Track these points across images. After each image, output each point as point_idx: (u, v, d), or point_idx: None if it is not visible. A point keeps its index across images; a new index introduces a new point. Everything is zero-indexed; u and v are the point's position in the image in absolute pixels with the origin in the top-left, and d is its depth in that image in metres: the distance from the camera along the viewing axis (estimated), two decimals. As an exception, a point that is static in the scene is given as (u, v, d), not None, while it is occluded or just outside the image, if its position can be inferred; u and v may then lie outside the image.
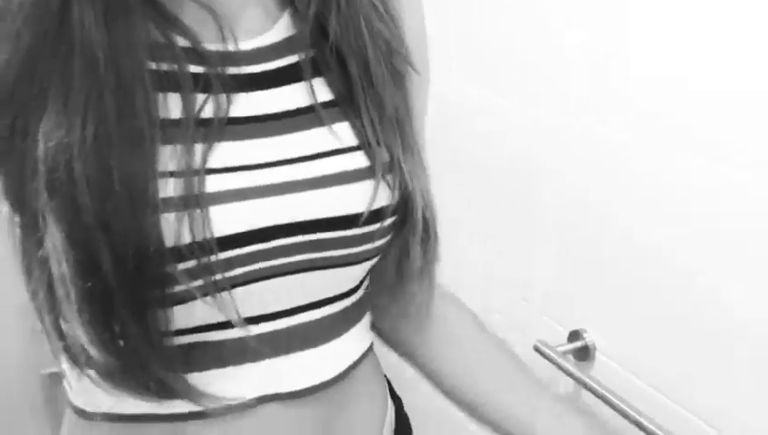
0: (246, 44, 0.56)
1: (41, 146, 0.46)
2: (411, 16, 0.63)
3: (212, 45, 0.54)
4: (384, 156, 0.57)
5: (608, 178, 0.92)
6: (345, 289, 0.60)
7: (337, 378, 0.60)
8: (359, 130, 0.57)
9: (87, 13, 0.47)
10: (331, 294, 0.59)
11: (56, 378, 1.69)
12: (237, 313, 0.52)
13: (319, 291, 0.58)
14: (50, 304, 0.49)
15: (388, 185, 0.57)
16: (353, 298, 0.62)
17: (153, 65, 0.50)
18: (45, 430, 1.69)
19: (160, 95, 0.50)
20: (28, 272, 0.49)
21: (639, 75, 0.85)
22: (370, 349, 0.67)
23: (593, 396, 0.93)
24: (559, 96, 0.98)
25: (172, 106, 0.51)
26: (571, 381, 1.00)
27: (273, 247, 0.53)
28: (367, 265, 0.59)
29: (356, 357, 0.63)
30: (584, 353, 0.98)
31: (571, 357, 0.99)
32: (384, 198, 0.56)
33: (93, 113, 0.47)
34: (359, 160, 0.56)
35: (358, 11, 0.57)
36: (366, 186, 0.55)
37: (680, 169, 0.82)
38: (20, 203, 0.48)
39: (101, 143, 0.46)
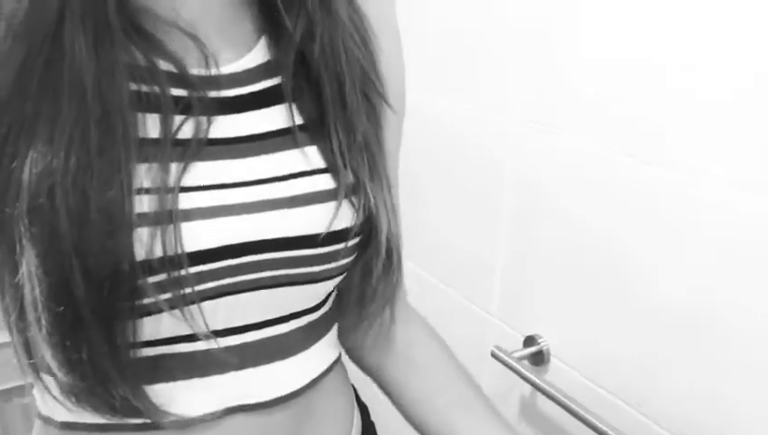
0: (225, 69, 0.58)
1: (26, 171, 0.47)
2: (389, 49, 0.65)
3: (195, 70, 0.56)
4: (349, 178, 0.59)
5: (560, 183, 0.94)
6: (311, 305, 0.62)
7: (303, 389, 0.62)
8: (327, 153, 0.59)
9: (78, 38, 0.49)
10: (297, 309, 0.60)
11: (5, 395, 1.65)
12: (206, 325, 0.53)
13: (285, 306, 0.59)
14: (20, 326, 0.50)
15: (353, 206, 0.59)
16: (320, 312, 0.63)
17: (134, 86, 0.52)
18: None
19: (140, 115, 0.52)
20: (1, 291, 0.50)
21: (590, 76, 0.88)
22: (338, 360, 0.68)
23: (549, 400, 0.95)
24: (511, 100, 1.00)
25: (150, 126, 0.52)
26: (527, 385, 1.02)
27: (242, 264, 0.54)
28: (331, 283, 0.61)
29: (322, 369, 0.64)
30: (539, 358, 1.00)
31: (526, 362, 1.01)
32: (347, 219, 0.58)
33: (78, 144, 0.48)
34: (325, 182, 0.58)
35: (338, 38, 0.59)
36: (328, 207, 0.57)
37: (633, 173, 0.84)
38: (1, 224, 0.49)
39: (82, 174, 0.48)
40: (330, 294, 0.65)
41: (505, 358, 0.99)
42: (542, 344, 1.00)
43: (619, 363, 0.90)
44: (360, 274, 0.63)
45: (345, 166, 0.59)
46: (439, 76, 1.13)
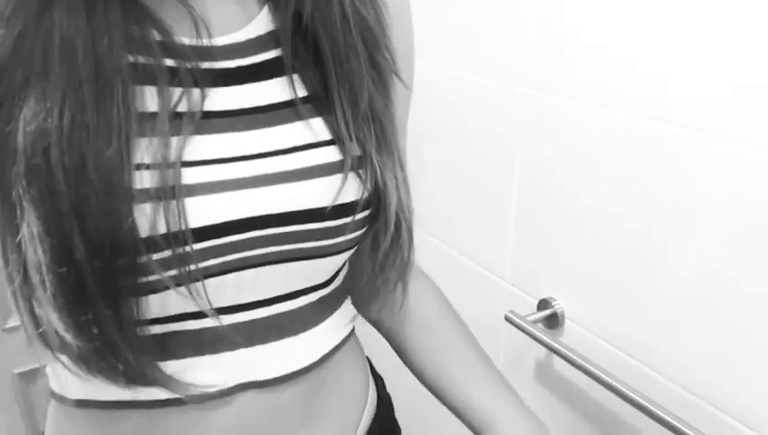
0: (222, 39, 0.56)
1: (20, 132, 0.47)
2: (398, 20, 0.64)
3: (187, 40, 0.54)
4: (355, 150, 0.58)
5: (571, 148, 0.94)
6: (321, 280, 0.61)
7: (314, 365, 0.61)
8: (332, 125, 0.58)
9: (68, 3, 0.48)
10: (307, 285, 0.60)
11: (29, 376, 1.67)
12: (209, 303, 0.53)
13: (294, 282, 0.59)
14: (25, 291, 0.49)
15: (360, 179, 0.58)
16: (330, 288, 0.63)
17: (131, 58, 0.51)
18: (19, 429, 1.68)
19: (137, 88, 0.51)
20: (5, 257, 0.50)
21: (598, 49, 0.87)
22: (351, 334, 0.68)
23: (564, 362, 0.96)
24: (523, 70, 0.99)
25: (148, 99, 0.51)
26: (542, 348, 1.02)
27: (247, 239, 0.54)
28: (340, 257, 0.60)
29: (334, 344, 0.64)
30: (554, 321, 1.01)
31: (541, 326, 1.02)
32: (354, 192, 0.57)
33: (71, 102, 0.47)
34: (331, 154, 0.57)
35: (339, 4, 0.57)
36: (336, 180, 0.56)
37: (645, 137, 0.84)
38: (1, 188, 0.48)
39: (78, 132, 0.47)
40: (340, 269, 0.64)
41: (520, 322, 1.00)
42: (555, 307, 1.01)
43: (632, 323, 0.90)
44: (369, 248, 0.62)
45: (351, 138, 0.58)
46: (447, 47, 1.13)
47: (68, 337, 0.49)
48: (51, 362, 0.56)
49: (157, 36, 0.53)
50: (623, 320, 0.92)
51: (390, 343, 0.76)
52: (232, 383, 0.57)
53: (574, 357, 0.93)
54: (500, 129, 1.05)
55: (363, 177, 0.58)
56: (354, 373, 0.68)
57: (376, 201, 0.59)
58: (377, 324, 0.76)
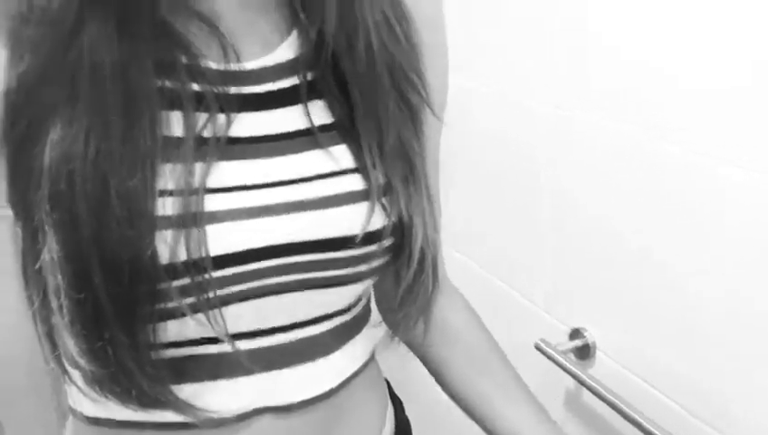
0: (251, 64, 0.56)
1: (46, 156, 0.47)
2: (432, 45, 0.62)
3: (215, 64, 0.54)
4: (380, 179, 0.57)
5: (605, 176, 0.91)
6: (341, 307, 0.60)
7: (333, 390, 0.60)
8: (357, 153, 0.57)
9: (99, 27, 0.48)
10: (327, 311, 0.59)
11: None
12: (226, 331, 0.53)
13: (314, 309, 0.58)
14: (43, 314, 0.50)
15: (384, 208, 0.57)
16: (352, 313, 0.62)
17: (158, 83, 0.51)
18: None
19: (164, 113, 0.51)
20: (25, 278, 0.51)
21: (636, 67, 0.85)
22: (371, 358, 0.67)
23: (593, 395, 0.93)
24: (556, 89, 0.97)
25: (174, 124, 0.51)
26: (571, 379, 1.00)
27: (268, 267, 0.53)
28: (361, 285, 0.59)
29: (353, 369, 0.63)
30: (585, 352, 0.98)
31: (571, 356, 0.99)
32: (378, 220, 0.56)
33: (97, 129, 0.47)
34: (354, 183, 0.56)
35: (365, 31, 0.56)
36: (360, 208, 0.55)
37: (678, 169, 0.81)
38: (23, 212, 0.49)
39: (102, 160, 0.47)
40: (362, 295, 0.63)
41: (550, 351, 0.98)
42: (587, 337, 0.98)
43: (665, 359, 0.88)
44: (392, 282, 0.61)
45: (375, 166, 0.57)
46: (477, 61, 1.11)
47: (82, 362, 0.50)
48: (66, 383, 0.56)
49: (184, 60, 0.53)
50: (656, 354, 0.89)
51: (415, 354, 0.74)
52: (248, 408, 0.57)
53: (603, 392, 0.91)
54: (531, 150, 1.03)
55: (387, 205, 0.57)
56: (372, 398, 0.67)
57: (400, 232, 0.58)
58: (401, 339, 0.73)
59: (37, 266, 0.48)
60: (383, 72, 0.57)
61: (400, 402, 0.74)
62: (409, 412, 0.75)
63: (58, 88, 0.48)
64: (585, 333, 0.98)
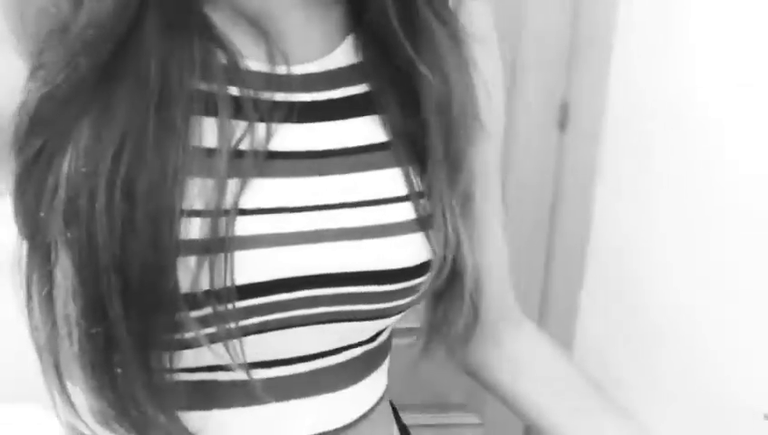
0: (299, 68, 0.51)
1: (65, 170, 0.42)
2: (487, 67, 0.57)
3: (258, 65, 0.49)
4: (435, 209, 0.52)
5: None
6: (369, 336, 0.56)
7: (353, 423, 0.56)
8: (410, 178, 0.52)
9: (149, 29, 0.44)
10: (353, 341, 0.55)
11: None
12: (244, 362, 0.48)
13: (339, 340, 0.54)
14: (51, 343, 0.45)
15: (431, 240, 0.52)
16: (376, 343, 0.57)
17: (193, 84, 0.46)
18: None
19: (196, 119, 0.46)
20: (30, 307, 0.46)
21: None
22: (386, 390, 0.63)
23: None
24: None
25: (207, 133, 0.46)
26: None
27: (297, 299, 0.49)
28: (394, 319, 0.54)
29: (375, 400, 0.59)
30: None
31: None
32: (424, 254, 0.51)
33: (131, 140, 0.42)
34: (403, 212, 0.51)
35: (441, 48, 0.51)
36: (405, 240, 0.51)
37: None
38: (32, 231, 0.44)
39: (133, 175, 0.42)
40: (392, 324, 0.58)
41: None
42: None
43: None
44: (435, 319, 0.57)
45: (430, 197, 0.52)
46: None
47: (89, 396, 0.46)
48: (72, 417, 0.51)
49: (222, 60, 0.47)
50: None
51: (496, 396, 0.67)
52: None
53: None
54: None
55: (436, 239, 0.52)
56: (386, 426, 0.63)
57: (447, 266, 0.53)
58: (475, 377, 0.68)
59: (45, 292, 0.44)
60: (457, 89, 0.52)
61: (407, 430, 0.71)
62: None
63: (91, 95, 0.43)
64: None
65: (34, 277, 0.45)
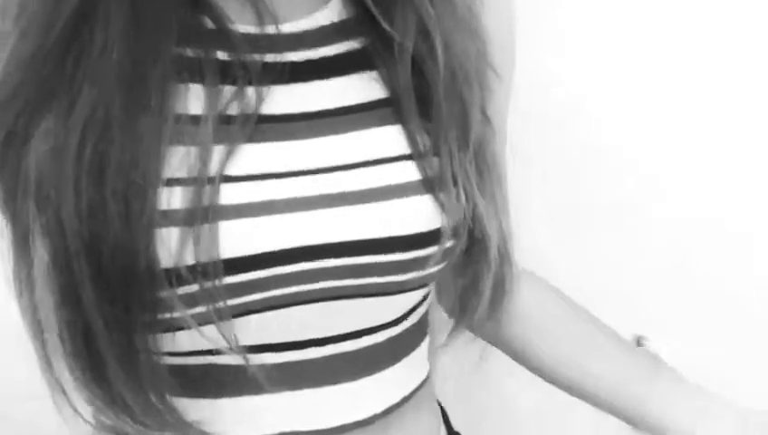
0: (288, 27, 0.48)
1: (32, 153, 0.41)
2: (497, 25, 0.54)
3: (246, 27, 0.47)
4: (444, 169, 0.48)
5: (679, 176, 0.85)
6: (390, 318, 0.52)
7: (377, 416, 0.53)
8: (413, 136, 0.48)
9: (116, 3, 0.41)
10: (371, 324, 0.51)
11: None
12: (236, 342, 0.45)
13: (356, 320, 0.50)
14: (35, 330, 0.44)
15: (444, 203, 0.48)
16: (402, 327, 0.53)
17: (177, 49, 0.44)
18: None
19: (181, 86, 0.44)
20: (18, 289, 0.45)
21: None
22: (425, 380, 0.58)
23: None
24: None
25: (193, 99, 0.44)
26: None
27: (295, 272, 0.46)
28: (415, 294, 0.51)
29: (403, 394, 0.55)
30: (645, 362, 0.93)
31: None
32: (436, 219, 0.48)
33: (98, 116, 0.40)
34: (408, 172, 0.48)
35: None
36: (416, 203, 0.47)
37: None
38: (13, 214, 0.43)
39: (101, 152, 0.40)
40: (417, 305, 0.54)
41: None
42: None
43: (732, 372, 0.82)
44: (464, 284, 0.53)
45: (439, 153, 0.48)
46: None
47: (76, 384, 0.45)
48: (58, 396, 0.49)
49: (209, 24, 0.46)
50: (720, 375, 0.83)
51: (490, 342, 0.66)
52: (272, 432, 0.50)
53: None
54: (609, 140, 0.97)
55: (451, 200, 0.48)
56: (424, 429, 0.59)
57: (467, 230, 0.49)
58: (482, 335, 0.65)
59: (26, 275, 0.43)
60: (462, 44, 0.48)
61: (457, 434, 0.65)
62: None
63: (58, 68, 0.41)
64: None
65: (18, 264, 0.43)
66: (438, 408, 0.63)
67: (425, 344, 0.57)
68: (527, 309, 0.63)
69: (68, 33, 0.41)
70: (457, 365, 0.70)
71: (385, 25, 0.48)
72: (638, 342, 0.94)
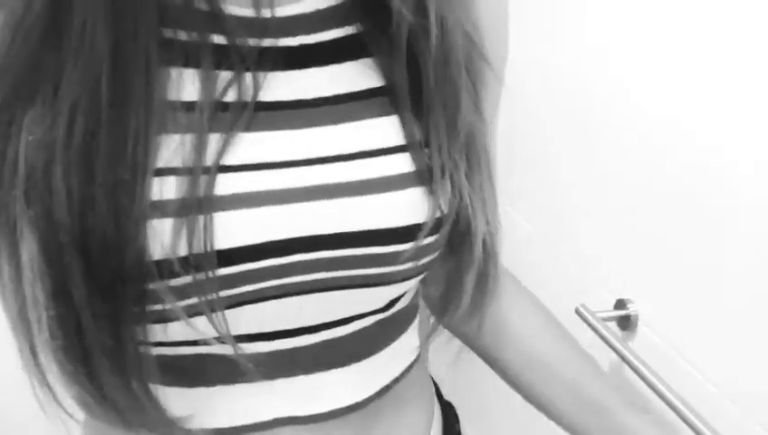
0: (287, 10, 0.46)
1: (21, 143, 0.39)
2: (490, 9, 0.52)
3: (240, 10, 0.45)
4: (437, 160, 0.47)
5: (663, 146, 0.86)
6: (382, 305, 0.51)
7: (367, 400, 0.52)
8: (409, 127, 0.47)
9: None
10: (364, 311, 0.50)
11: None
12: (228, 333, 0.44)
13: (347, 308, 0.49)
14: (23, 326, 0.42)
15: (436, 195, 0.47)
16: (392, 311, 0.53)
17: (168, 33, 0.42)
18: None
19: (174, 71, 0.42)
20: (1, 286, 0.42)
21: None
22: (414, 361, 0.58)
23: (629, 368, 0.90)
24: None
25: (187, 85, 0.42)
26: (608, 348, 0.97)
27: (291, 264, 0.44)
28: (406, 284, 0.50)
29: (393, 376, 0.54)
30: (626, 323, 0.95)
31: (613, 325, 0.96)
32: (430, 211, 0.47)
33: (85, 103, 0.39)
34: (403, 164, 0.47)
35: None
36: (411, 194, 0.46)
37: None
38: (0, 209, 0.40)
39: (88, 143, 0.39)
40: (407, 292, 0.54)
41: (589, 317, 0.95)
42: (630, 309, 0.95)
43: (709, 343, 0.84)
44: (446, 279, 0.52)
45: (430, 145, 0.47)
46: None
47: (64, 381, 0.43)
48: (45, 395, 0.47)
49: (203, 6, 0.43)
50: (702, 337, 0.85)
51: (467, 345, 0.65)
52: (268, 418, 0.49)
53: (638, 365, 0.88)
54: (595, 111, 0.97)
55: (443, 192, 0.47)
56: (416, 405, 0.59)
57: (456, 222, 0.49)
58: (462, 338, 0.64)
59: (13, 274, 0.41)
60: (456, 28, 0.47)
61: (451, 406, 0.65)
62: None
63: (40, 52, 0.39)
64: (629, 305, 0.95)
65: (3, 258, 0.41)
66: (431, 382, 0.63)
67: (416, 323, 0.57)
68: (509, 321, 0.62)
69: (46, 14, 0.39)
70: (445, 335, 0.71)
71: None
72: (620, 304, 0.96)
